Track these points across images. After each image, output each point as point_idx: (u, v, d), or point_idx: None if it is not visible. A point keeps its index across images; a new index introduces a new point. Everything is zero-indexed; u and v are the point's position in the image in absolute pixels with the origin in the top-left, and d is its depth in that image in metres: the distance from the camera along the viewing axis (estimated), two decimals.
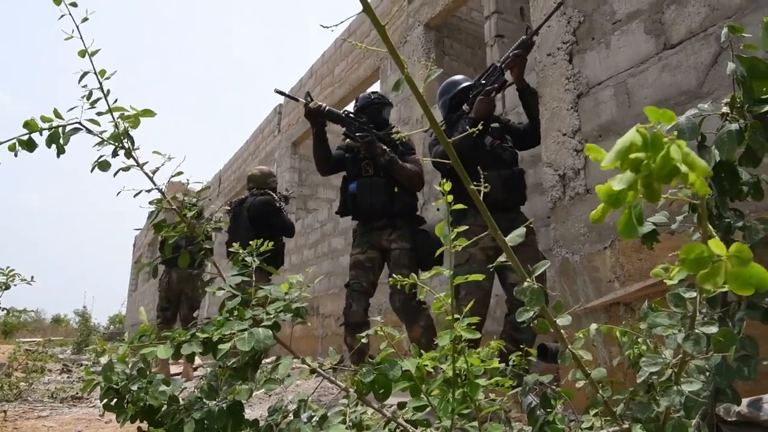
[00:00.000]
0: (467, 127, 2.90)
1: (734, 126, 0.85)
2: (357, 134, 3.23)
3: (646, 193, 0.34)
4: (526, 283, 0.70)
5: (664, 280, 0.59)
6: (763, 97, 0.85)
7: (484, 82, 3.09)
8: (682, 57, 2.70)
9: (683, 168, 0.33)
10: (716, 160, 0.87)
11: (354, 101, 3.64)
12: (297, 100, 3.38)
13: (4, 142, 1.32)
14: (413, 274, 1.16)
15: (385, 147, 3.31)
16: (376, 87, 7.74)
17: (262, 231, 4.26)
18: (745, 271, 0.35)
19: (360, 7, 0.71)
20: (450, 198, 0.92)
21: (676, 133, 0.32)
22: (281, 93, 3.55)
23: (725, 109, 0.91)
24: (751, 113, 0.86)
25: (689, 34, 2.68)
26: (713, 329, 0.59)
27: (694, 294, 0.59)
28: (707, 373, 0.72)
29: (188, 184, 1.50)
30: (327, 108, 3.32)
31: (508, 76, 3.24)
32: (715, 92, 2.57)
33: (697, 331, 0.59)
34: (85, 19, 1.38)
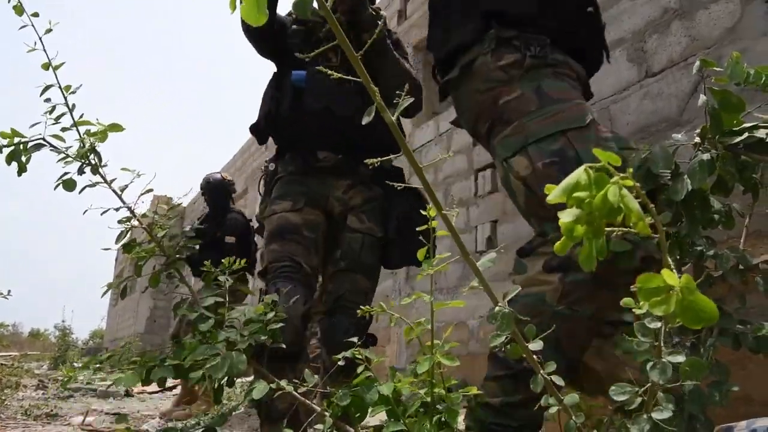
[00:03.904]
0: None
1: (706, 156, 0.87)
2: None
3: (590, 229, 0.36)
4: (497, 308, 0.70)
5: (633, 309, 0.60)
6: (734, 129, 0.88)
7: None
8: (663, 85, 2.76)
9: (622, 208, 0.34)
10: (688, 189, 0.89)
11: None
12: None
13: None
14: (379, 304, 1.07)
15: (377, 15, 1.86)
16: None
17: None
18: (697, 304, 0.36)
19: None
20: (435, 226, 0.90)
21: (630, 170, 0.34)
22: None
23: (698, 140, 0.93)
24: (722, 144, 0.89)
25: (670, 63, 2.75)
26: (680, 358, 0.60)
27: (659, 324, 0.61)
28: (678, 401, 0.73)
29: (170, 200, 1.49)
30: None
31: None
32: (695, 120, 2.62)
33: (663, 360, 0.60)
34: (49, 31, 1.31)
